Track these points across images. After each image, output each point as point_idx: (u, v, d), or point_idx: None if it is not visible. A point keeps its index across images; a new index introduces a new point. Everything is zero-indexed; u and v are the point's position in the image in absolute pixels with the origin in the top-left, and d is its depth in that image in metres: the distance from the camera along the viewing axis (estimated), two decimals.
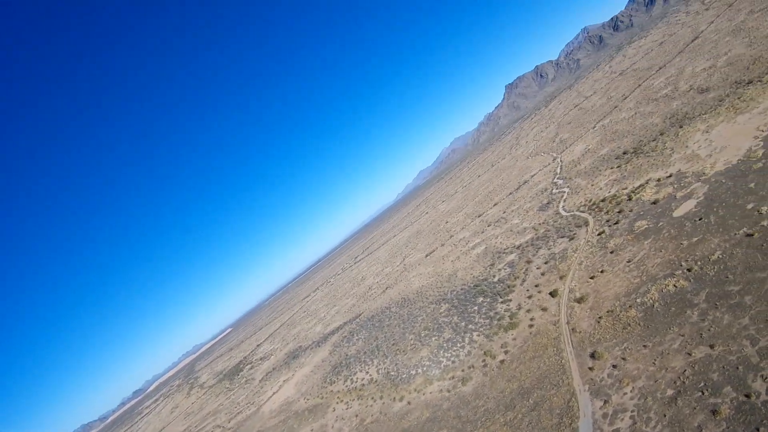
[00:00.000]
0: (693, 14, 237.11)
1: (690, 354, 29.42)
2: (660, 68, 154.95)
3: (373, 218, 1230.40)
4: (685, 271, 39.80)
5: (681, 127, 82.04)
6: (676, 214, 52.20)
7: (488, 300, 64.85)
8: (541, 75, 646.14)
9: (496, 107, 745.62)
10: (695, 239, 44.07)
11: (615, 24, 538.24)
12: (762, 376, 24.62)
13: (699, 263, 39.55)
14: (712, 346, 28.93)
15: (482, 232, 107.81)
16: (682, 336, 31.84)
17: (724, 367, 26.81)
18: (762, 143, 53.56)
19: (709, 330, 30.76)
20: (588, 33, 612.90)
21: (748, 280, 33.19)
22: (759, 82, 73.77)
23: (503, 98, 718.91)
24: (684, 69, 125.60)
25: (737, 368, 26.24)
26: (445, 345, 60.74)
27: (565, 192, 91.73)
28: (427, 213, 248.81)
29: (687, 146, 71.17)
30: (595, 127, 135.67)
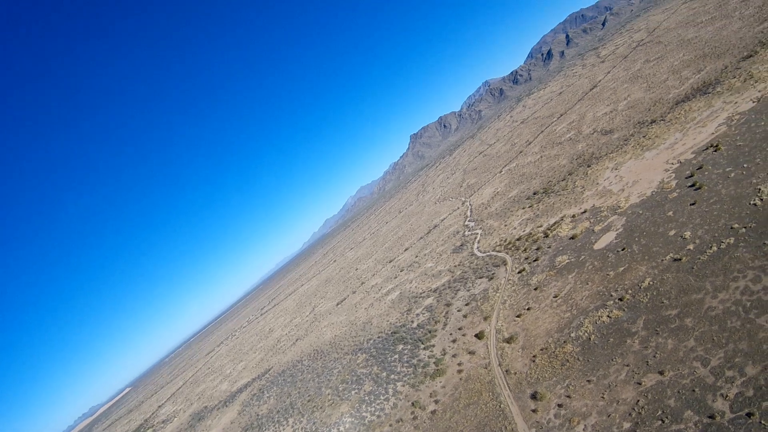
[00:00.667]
0: (589, 66, 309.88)
1: (640, 383, 32.39)
2: (561, 115, 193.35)
3: (278, 268, 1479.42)
4: (616, 300, 45.62)
5: (589, 166, 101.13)
6: (597, 246, 61.61)
7: (409, 347, 75.49)
8: (444, 125, 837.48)
9: (401, 156, 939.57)
10: (621, 269, 51.57)
11: (515, 78, 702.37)
12: (722, 394, 27.89)
13: (630, 292, 45.83)
14: (661, 373, 32.35)
15: (395, 278, 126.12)
16: (627, 366, 35.29)
17: (679, 392, 29.89)
18: (674, 175, 68.29)
19: (654, 356, 34.64)
20: (489, 86, 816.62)
21: (684, 303, 39.13)
22: (662, 121, 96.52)
23: (408, 147, 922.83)
24: (585, 114, 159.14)
25: (693, 391, 29.46)
26: (366, 398, 69.29)
27: (478, 234, 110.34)
28: (335, 261, 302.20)
29: (598, 183, 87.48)
30: (501, 171, 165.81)
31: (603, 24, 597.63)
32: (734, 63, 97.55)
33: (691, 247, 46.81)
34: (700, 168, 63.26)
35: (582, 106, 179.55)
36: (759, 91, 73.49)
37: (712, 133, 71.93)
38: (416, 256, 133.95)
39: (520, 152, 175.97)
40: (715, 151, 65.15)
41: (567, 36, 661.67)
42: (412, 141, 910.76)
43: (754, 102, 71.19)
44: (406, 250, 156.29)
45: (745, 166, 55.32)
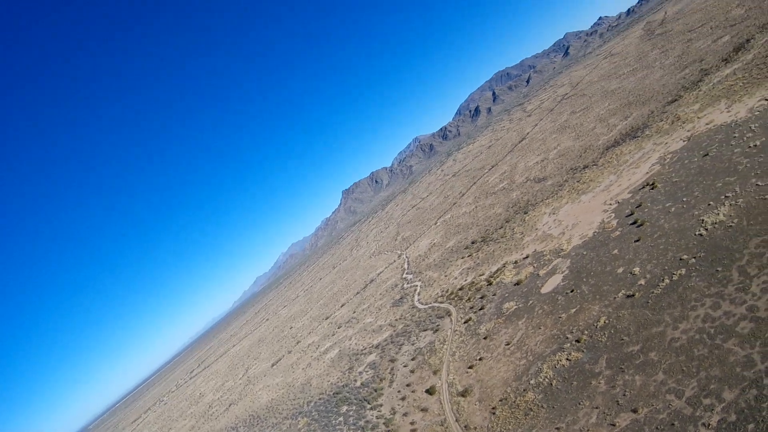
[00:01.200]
0: (516, 120, 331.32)
1: (614, 424, 31.36)
2: (492, 167, 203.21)
3: (207, 329, 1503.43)
4: (573, 342, 45.40)
5: (526, 213, 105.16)
6: (545, 290, 62.36)
7: (354, 408, 75.73)
8: (376, 180, 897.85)
9: (333, 212, 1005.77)
10: (573, 310, 51.97)
11: (444, 133, 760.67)
12: (704, 424, 27.36)
13: (587, 332, 45.87)
14: (635, 411, 31.62)
15: (333, 335, 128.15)
16: (597, 408, 34.31)
17: (658, 428, 29.10)
18: (613, 214, 71.63)
19: (624, 395, 33.98)
20: (419, 142, 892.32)
21: (646, 338, 39.42)
22: (594, 166, 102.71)
23: (340, 203, 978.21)
24: (516, 165, 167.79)
25: (673, 425, 28.78)
26: None
27: (417, 286, 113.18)
28: (268, 319, 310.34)
29: (537, 228, 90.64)
30: (436, 223, 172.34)
31: (527, 81, 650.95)
32: (660, 108, 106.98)
33: (642, 282, 48.02)
34: (639, 206, 66.63)
35: (512, 158, 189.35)
36: (688, 131, 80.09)
37: (647, 173, 76.75)
38: (354, 312, 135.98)
39: (454, 204, 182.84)
40: (652, 189, 69.19)
41: (494, 93, 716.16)
42: (344, 197, 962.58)
43: (684, 141, 77.26)
44: (342, 306, 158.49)
45: (684, 200, 58.75)
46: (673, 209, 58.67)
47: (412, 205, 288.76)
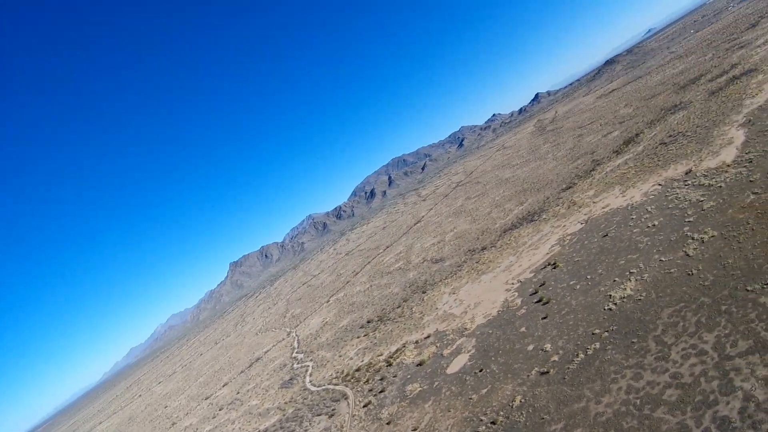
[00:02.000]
0: (411, 204, 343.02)
1: None
2: (387, 247, 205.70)
3: (72, 401, 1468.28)
4: (489, 425, 42.91)
5: (425, 292, 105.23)
6: (451, 370, 60.26)
7: None
8: (266, 255, 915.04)
9: (219, 284, 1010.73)
10: (485, 390, 50.02)
11: (338, 213, 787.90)
12: None
13: (502, 413, 43.78)
14: None
15: (213, 417, 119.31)
16: None
17: None
18: (517, 293, 72.78)
19: None
20: (313, 220, 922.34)
21: (568, 414, 38.05)
22: (493, 248, 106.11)
23: (227, 276, 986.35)
24: (412, 246, 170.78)
25: None
26: None
27: (309, 366, 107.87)
28: (140, 396, 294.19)
29: (437, 308, 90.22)
30: (329, 301, 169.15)
31: (423, 168, 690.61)
32: (555, 194, 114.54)
33: (555, 358, 47.60)
34: (543, 284, 68.26)
35: (408, 239, 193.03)
36: (585, 215, 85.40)
37: (547, 253, 79.85)
38: (238, 393, 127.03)
39: (348, 282, 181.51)
40: (554, 268, 71.54)
41: (390, 178, 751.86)
42: (231, 269, 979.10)
43: (582, 224, 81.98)
44: (225, 385, 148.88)
45: (588, 277, 60.89)
46: (578, 286, 60.35)
47: (303, 282, 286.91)
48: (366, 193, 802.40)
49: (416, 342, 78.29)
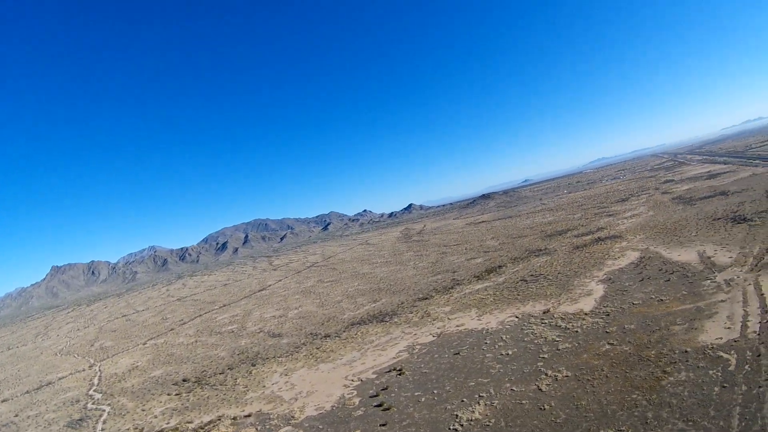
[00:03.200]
0: (261, 270, 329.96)
1: None
2: (224, 306, 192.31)
3: None
4: None
5: (254, 365, 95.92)
6: None
7: None
8: (93, 271, 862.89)
9: (32, 285, 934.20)
10: None
11: (183, 254, 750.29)
12: None
13: None
14: None
15: None
16: None
17: None
18: (356, 392, 67.33)
19: None
20: (155, 252, 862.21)
21: None
22: (337, 338, 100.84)
23: (44, 279, 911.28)
24: (251, 312, 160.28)
25: None
26: None
27: (105, 411, 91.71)
28: None
29: (264, 386, 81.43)
30: (146, 343, 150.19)
31: (282, 238, 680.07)
32: (410, 301, 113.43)
33: None
34: (386, 389, 63.84)
35: (248, 304, 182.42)
36: (438, 328, 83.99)
37: (394, 358, 76.30)
38: (16, 415, 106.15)
39: (172, 329, 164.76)
40: (400, 374, 67.77)
41: (246, 236, 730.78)
42: (51, 273, 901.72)
43: (434, 336, 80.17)
44: (4, 401, 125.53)
45: (435, 392, 57.59)
46: (423, 399, 56.75)
47: (124, 314, 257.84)
48: (218, 243, 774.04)
49: (234, 418, 68.42)
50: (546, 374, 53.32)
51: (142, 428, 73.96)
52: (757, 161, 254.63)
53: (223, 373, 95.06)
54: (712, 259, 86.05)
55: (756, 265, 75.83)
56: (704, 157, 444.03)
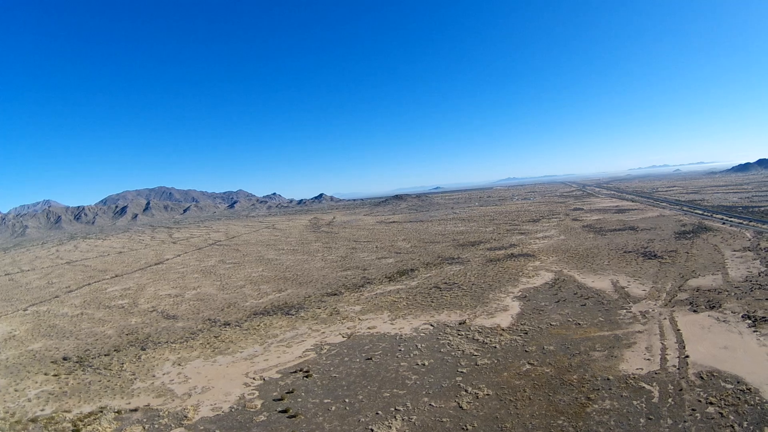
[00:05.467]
0: (159, 241, 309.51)
1: None
2: (117, 276, 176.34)
3: None
4: None
5: (144, 349, 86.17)
6: None
7: None
8: None
9: None
10: None
11: (78, 214, 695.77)
12: None
13: None
14: None
15: None
16: None
17: None
18: (257, 393, 60.88)
19: None
20: (49, 207, 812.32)
21: None
22: (238, 327, 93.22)
23: None
24: (146, 287, 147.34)
25: None
26: None
27: None
28: None
29: (154, 375, 72.65)
30: (26, 309, 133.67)
31: (185, 210, 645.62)
32: (318, 295, 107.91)
33: None
34: (291, 392, 58.34)
35: (143, 277, 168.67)
36: (348, 329, 79.26)
37: (300, 357, 70.91)
38: None
39: (57, 297, 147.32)
40: (306, 377, 62.52)
41: (148, 203, 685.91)
42: None
43: (344, 337, 75.39)
44: None
45: (347, 401, 52.94)
46: (333, 408, 51.83)
47: (7, 273, 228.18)
48: (117, 207, 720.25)
49: (118, 412, 59.21)
50: (466, 391, 50.36)
51: (12, 413, 62.85)
52: (663, 203, 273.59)
53: (108, 354, 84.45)
54: (626, 289, 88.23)
55: (670, 301, 78.05)
56: (612, 192, 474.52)
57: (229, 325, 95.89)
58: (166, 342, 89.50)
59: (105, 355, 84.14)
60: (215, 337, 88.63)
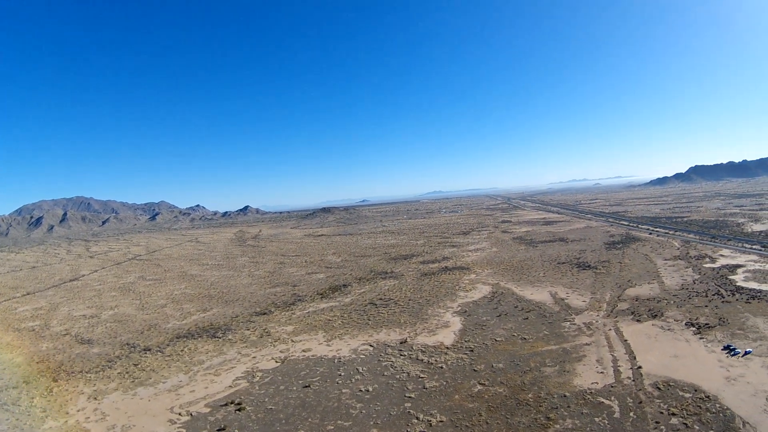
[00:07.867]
0: (76, 255, 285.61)
1: None
2: (28, 294, 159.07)
3: None
4: None
5: (55, 381, 75.52)
6: None
7: None
8: None
9: None
10: None
11: None
12: None
13: None
14: None
15: None
16: None
17: None
18: (185, 430, 53.48)
19: None
20: None
21: None
22: (160, 353, 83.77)
23: None
24: (59, 306, 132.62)
25: None
26: None
27: None
28: None
29: (68, 413, 62.72)
30: None
31: (104, 222, 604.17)
32: (246, 315, 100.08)
33: None
34: (223, 429, 51.22)
35: (57, 295, 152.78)
36: (281, 352, 72.75)
37: (230, 387, 63.50)
38: None
39: None
40: (239, 410, 55.43)
41: (65, 214, 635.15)
42: None
43: (278, 362, 68.83)
44: None
45: None
46: None
47: None
48: (32, 217, 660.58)
49: None
50: (418, 418, 45.61)
51: None
52: (589, 215, 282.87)
53: (17, 387, 72.68)
54: (566, 300, 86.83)
55: (612, 311, 76.97)
56: (537, 204, 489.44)
57: (149, 350, 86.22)
58: (80, 372, 78.67)
59: (13, 387, 72.31)
60: (134, 365, 78.94)
